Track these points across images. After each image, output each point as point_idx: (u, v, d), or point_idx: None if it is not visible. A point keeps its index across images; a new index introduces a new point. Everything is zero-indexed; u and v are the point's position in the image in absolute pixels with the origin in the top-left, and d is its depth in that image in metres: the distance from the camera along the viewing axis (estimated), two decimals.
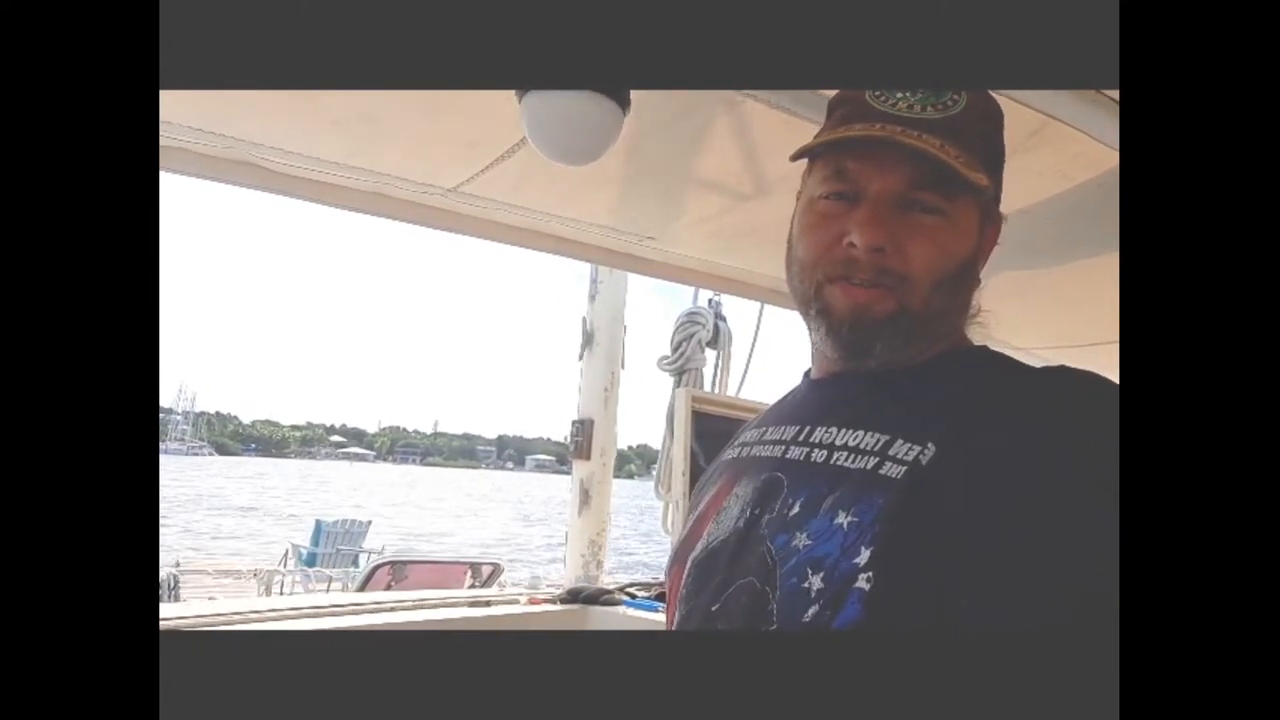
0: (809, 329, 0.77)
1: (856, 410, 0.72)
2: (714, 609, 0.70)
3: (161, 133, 1.38)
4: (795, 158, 0.74)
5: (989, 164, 0.72)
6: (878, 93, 0.72)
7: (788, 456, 0.74)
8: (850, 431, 0.70)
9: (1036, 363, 0.71)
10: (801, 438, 0.74)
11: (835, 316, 0.72)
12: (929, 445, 0.64)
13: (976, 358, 0.75)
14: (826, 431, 0.72)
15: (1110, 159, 1.25)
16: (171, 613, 1.80)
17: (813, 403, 0.79)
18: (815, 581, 0.63)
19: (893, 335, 0.71)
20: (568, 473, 2.65)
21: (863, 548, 0.61)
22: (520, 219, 1.80)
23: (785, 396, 0.87)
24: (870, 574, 0.60)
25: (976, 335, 0.78)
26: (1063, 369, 0.68)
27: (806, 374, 0.84)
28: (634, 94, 1.14)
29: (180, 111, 1.31)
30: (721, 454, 0.89)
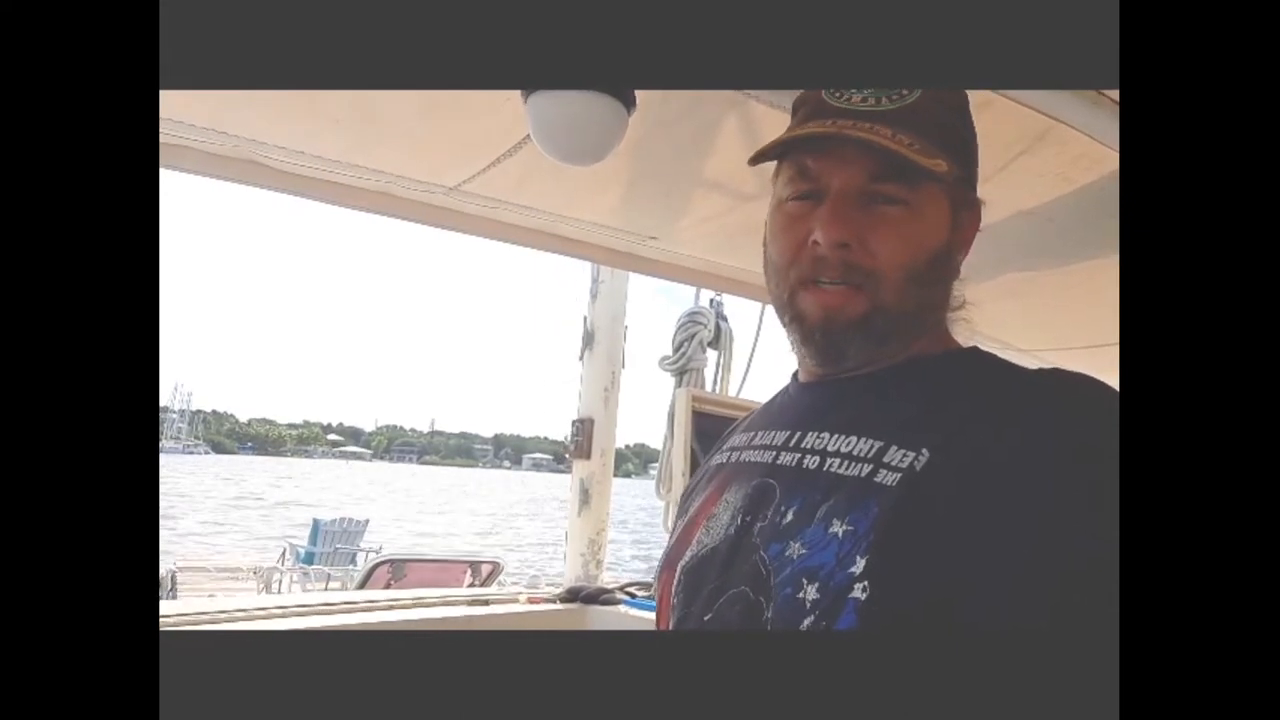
0: (787, 335, 0.77)
1: (848, 414, 0.71)
2: (707, 618, 0.69)
3: (164, 130, 1.38)
4: (753, 162, 0.73)
5: (950, 149, 0.71)
6: (834, 90, 0.72)
7: (779, 463, 0.73)
8: (843, 437, 0.69)
9: (1031, 364, 0.71)
10: (792, 443, 0.73)
11: (808, 323, 0.72)
12: (923, 451, 0.63)
13: (968, 361, 0.75)
14: (818, 437, 0.71)
15: (1112, 161, 1.25)
16: (171, 610, 1.80)
17: (802, 407, 0.78)
18: (810, 592, 0.62)
19: (866, 335, 0.70)
20: (565, 472, 2.65)
21: (858, 557, 0.61)
22: (522, 218, 1.80)
23: (773, 399, 0.86)
24: (866, 583, 0.60)
25: (963, 332, 0.77)
26: (1055, 372, 0.67)
27: (794, 376, 0.83)
28: (637, 94, 1.14)
29: (183, 109, 1.31)
30: (709, 458, 0.88)
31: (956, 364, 0.74)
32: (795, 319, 0.73)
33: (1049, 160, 1.28)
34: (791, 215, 0.72)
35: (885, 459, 0.65)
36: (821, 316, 0.71)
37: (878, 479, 0.64)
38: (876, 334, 0.70)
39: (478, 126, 1.36)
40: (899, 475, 0.63)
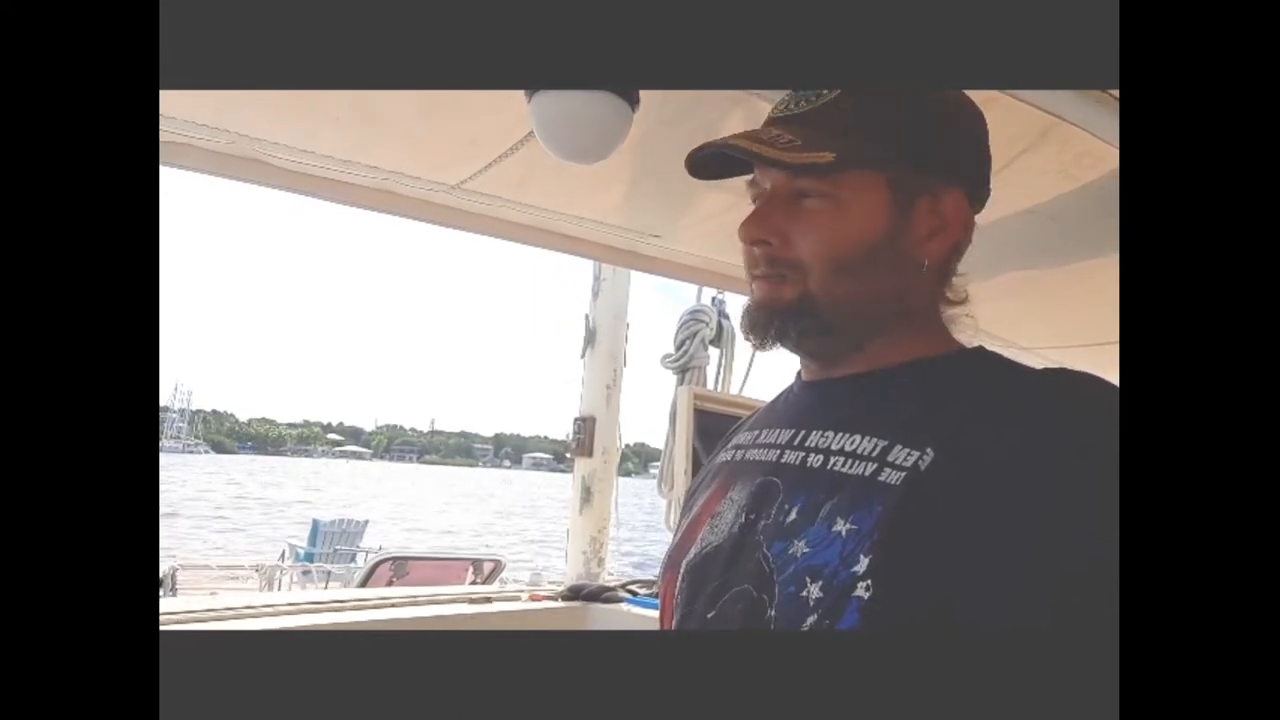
0: None
1: (851, 413, 0.71)
2: (710, 616, 0.70)
3: (166, 128, 1.38)
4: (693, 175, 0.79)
5: (876, 137, 0.70)
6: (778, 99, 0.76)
7: (783, 461, 0.73)
8: (846, 435, 0.69)
9: (1036, 363, 0.71)
10: (796, 441, 0.74)
11: (751, 309, 0.76)
12: (928, 450, 0.63)
13: (970, 360, 0.74)
14: (822, 435, 0.72)
15: (1115, 158, 1.25)
16: (172, 607, 1.80)
17: (806, 405, 0.78)
18: (814, 590, 0.62)
19: (799, 323, 0.73)
20: (565, 471, 2.65)
21: (861, 556, 0.61)
22: (524, 216, 1.80)
23: (776, 398, 0.86)
24: (869, 583, 0.60)
25: (966, 329, 0.77)
26: (1061, 371, 0.67)
27: (797, 375, 0.83)
28: (640, 92, 1.14)
29: (185, 107, 1.31)
30: (714, 456, 0.88)
31: (958, 364, 0.74)
32: (747, 307, 0.78)
33: (1051, 158, 1.27)
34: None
35: (889, 458, 0.65)
36: (757, 303, 0.76)
37: (881, 478, 0.64)
38: (812, 324, 0.73)
39: (479, 124, 1.36)
40: (903, 474, 0.63)
